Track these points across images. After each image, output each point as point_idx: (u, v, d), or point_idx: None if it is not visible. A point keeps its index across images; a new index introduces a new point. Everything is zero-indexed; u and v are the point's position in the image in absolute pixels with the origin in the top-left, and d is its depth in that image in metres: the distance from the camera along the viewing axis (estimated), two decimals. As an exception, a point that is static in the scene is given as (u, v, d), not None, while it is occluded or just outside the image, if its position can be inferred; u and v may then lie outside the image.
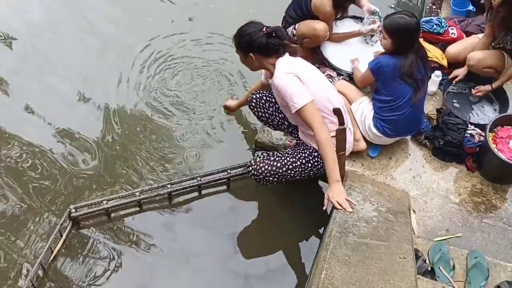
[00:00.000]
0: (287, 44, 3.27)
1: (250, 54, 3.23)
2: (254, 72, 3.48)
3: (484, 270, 3.09)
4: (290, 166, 3.38)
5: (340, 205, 3.03)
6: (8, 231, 3.46)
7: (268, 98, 3.54)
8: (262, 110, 3.57)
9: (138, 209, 3.61)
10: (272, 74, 3.25)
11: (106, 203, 3.51)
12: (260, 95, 3.56)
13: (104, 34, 4.79)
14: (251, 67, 3.36)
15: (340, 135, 3.24)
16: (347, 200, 3.07)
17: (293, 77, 3.12)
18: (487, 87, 4.00)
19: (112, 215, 3.56)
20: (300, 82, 3.13)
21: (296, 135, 3.53)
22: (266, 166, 3.38)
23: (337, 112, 3.21)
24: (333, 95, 3.34)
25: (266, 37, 3.18)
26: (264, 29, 3.19)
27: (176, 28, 4.85)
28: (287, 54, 3.25)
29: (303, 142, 3.44)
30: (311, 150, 3.38)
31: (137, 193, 3.57)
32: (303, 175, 3.43)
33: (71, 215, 3.44)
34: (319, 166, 3.38)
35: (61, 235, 3.40)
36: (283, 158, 3.40)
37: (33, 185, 3.68)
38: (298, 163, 3.38)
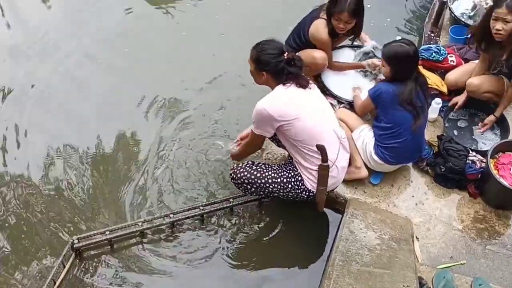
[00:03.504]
0: (301, 75, 3.28)
1: (264, 72, 3.26)
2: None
3: (489, 297, 3.07)
4: (270, 181, 3.41)
5: None
6: (9, 263, 3.45)
7: None
8: None
9: (140, 239, 3.60)
10: None
11: (109, 234, 3.50)
12: None
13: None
14: (257, 81, 3.40)
15: (322, 171, 3.27)
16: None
17: (265, 112, 3.18)
18: (491, 118, 4.02)
19: (115, 245, 3.56)
20: (266, 120, 3.20)
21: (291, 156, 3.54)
22: (246, 173, 3.43)
23: (320, 148, 3.22)
24: (326, 133, 3.31)
25: (285, 63, 3.22)
26: (285, 55, 3.22)
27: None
28: (292, 84, 3.25)
29: (293, 163, 3.43)
30: (296, 173, 3.39)
31: (140, 223, 3.57)
32: (281, 193, 3.44)
33: (74, 246, 3.44)
34: (299, 191, 3.39)
35: (64, 266, 3.39)
36: (265, 170, 3.44)
37: (35, 216, 3.69)
38: (279, 180, 3.40)
